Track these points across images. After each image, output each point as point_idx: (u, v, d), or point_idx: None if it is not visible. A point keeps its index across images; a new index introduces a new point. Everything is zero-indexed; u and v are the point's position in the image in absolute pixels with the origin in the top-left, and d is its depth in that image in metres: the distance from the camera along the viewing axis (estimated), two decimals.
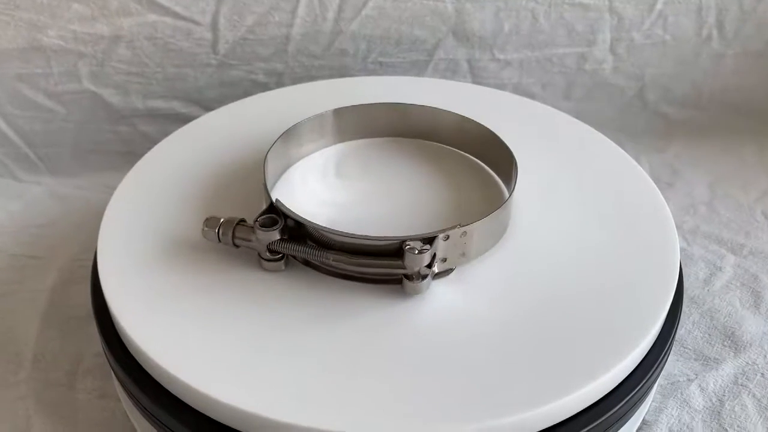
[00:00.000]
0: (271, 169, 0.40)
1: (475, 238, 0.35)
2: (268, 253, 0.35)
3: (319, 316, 0.34)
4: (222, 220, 0.35)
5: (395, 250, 0.34)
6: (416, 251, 0.33)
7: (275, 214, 0.36)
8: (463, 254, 0.36)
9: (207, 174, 0.43)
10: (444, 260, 0.35)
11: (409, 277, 0.34)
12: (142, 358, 0.33)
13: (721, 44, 0.61)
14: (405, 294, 0.35)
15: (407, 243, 0.33)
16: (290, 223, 0.35)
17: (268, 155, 0.39)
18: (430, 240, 0.34)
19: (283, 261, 0.36)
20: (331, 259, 0.34)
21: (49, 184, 0.58)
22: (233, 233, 0.35)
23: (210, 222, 0.36)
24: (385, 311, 0.34)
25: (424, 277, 0.34)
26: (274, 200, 0.36)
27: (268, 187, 0.38)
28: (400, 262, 0.33)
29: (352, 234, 0.34)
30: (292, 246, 0.35)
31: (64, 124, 0.58)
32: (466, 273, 0.36)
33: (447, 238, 0.34)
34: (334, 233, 0.34)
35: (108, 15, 0.54)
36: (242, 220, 0.36)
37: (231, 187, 0.42)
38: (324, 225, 0.35)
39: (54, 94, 0.57)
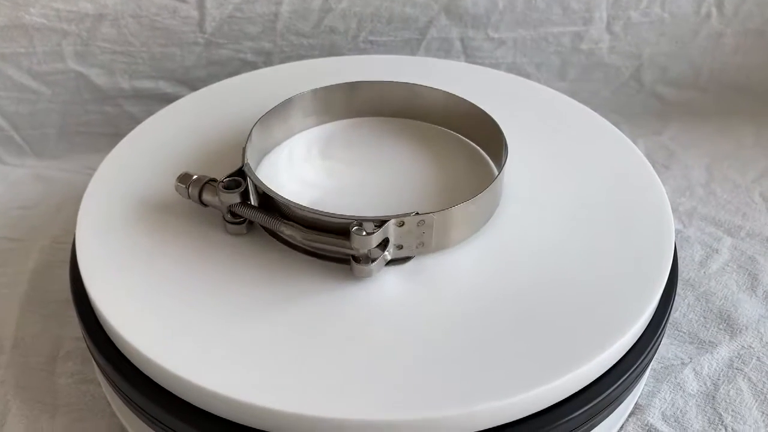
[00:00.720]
0: (255, 142, 0.39)
1: (436, 228, 0.34)
2: (229, 215, 0.36)
3: (274, 285, 0.34)
4: (194, 177, 0.36)
5: (347, 230, 0.33)
6: (364, 233, 0.32)
7: (241, 177, 0.36)
8: (422, 244, 0.34)
9: (190, 154, 0.42)
10: (400, 247, 0.34)
11: (356, 259, 0.33)
12: (117, 339, 0.33)
13: (720, 23, 0.60)
14: (354, 276, 0.34)
15: (358, 224, 0.32)
16: (260, 191, 0.35)
17: (254, 127, 0.39)
18: (382, 223, 0.33)
19: (244, 225, 0.36)
20: (284, 230, 0.34)
21: (34, 167, 0.57)
22: (200, 191, 0.36)
23: (182, 178, 0.36)
24: (334, 291, 0.34)
25: (374, 260, 0.33)
26: (244, 163, 0.36)
27: (248, 156, 0.37)
28: (348, 242, 0.33)
29: (308, 208, 0.34)
30: (250, 211, 0.35)
31: (49, 105, 0.57)
32: (444, 259, 0.35)
33: (401, 224, 0.33)
34: (292, 205, 0.34)
35: None
36: (212, 180, 0.36)
37: (215, 167, 0.41)
38: (297, 201, 0.34)
39: (38, 74, 0.56)
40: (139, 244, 0.36)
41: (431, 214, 0.34)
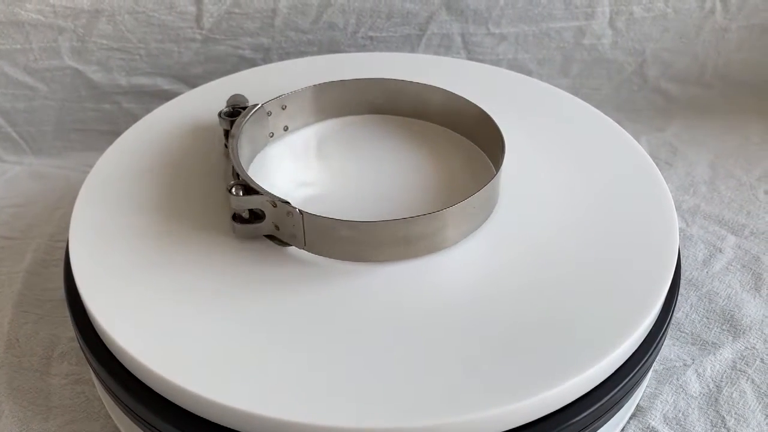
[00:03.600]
0: (245, 140, 0.39)
1: (307, 226, 0.34)
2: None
3: (267, 289, 0.34)
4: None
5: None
6: (234, 192, 0.34)
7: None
8: (294, 236, 0.35)
9: (189, 151, 0.41)
10: (277, 227, 0.35)
11: (233, 215, 0.35)
12: (108, 341, 0.33)
13: (724, 18, 0.59)
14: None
15: (236, 185, 0.35)
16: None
17: (246, 122, 0.39)
18: (254, 192, 0.34)
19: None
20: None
21: (30, 164, 0.57)
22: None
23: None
24: (330, 295, 0.34)
25: (244, 221, 0.35)
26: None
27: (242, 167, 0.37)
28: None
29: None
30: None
31: (46, 102, 0.57)
32: (441, 259, 0.35)
33: (274, 205, 0.34)
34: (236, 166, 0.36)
35: None
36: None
37: (214, 164, 0.40)
38: (291, 199, 0.35)
39: (34, 71, 0.55)
40: (133, 244, 0.36)
41: (296, 209, 0.34)
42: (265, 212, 0.35)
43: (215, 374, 0.30)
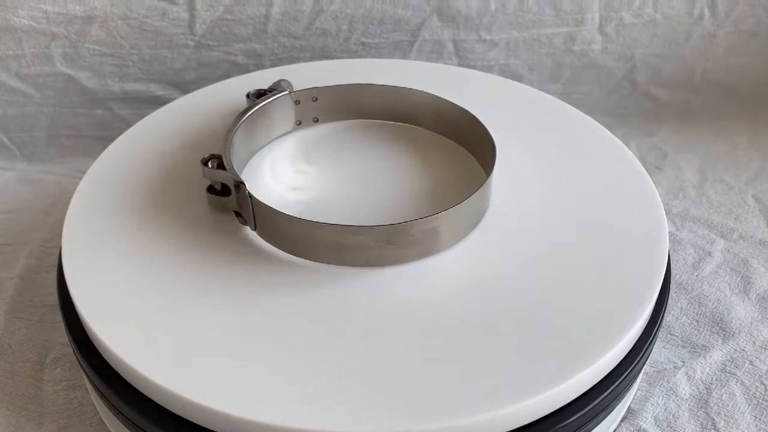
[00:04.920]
0: (238, 144, 0.39)
1: (258, 218, 0.35)
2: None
3: (264, 294, 0.34)
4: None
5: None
6: (209, 165, 0.36)
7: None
8: (255, 227, 0.36)
9: (181, 157, 0.42)
10: (239, 205, 0.37)
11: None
12: (101, 347, 0.33)
13: (713, 24, 0.60)
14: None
15: (211, 159, 0.37)
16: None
17: (239, 126, 0.39)
18: (222, 167, 0.36)
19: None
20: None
21: (23, 170, 0.57)
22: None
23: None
24: (318, 300, 0.34)
25: (216, 192, 0.37)
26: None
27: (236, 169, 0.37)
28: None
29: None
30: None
31: (39, 108, 0.57)
32: (431, 264, 0.35)
33: (236, 187, 0.36)
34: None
35: None
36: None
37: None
38: (280, 205, 0.36)
39: (27, 77, 0.55)
40: (126, 250, 0.36)
41: (248, 191, 0.35)
42: (231, 189, 0.37)
43: (209, 380, 0.30)
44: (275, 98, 0.42)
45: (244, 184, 0.35)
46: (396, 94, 0.43)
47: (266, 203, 0.35)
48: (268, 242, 0.36)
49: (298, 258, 0.35)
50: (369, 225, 0.34)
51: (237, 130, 0.39)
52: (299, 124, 0.44)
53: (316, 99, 0.43)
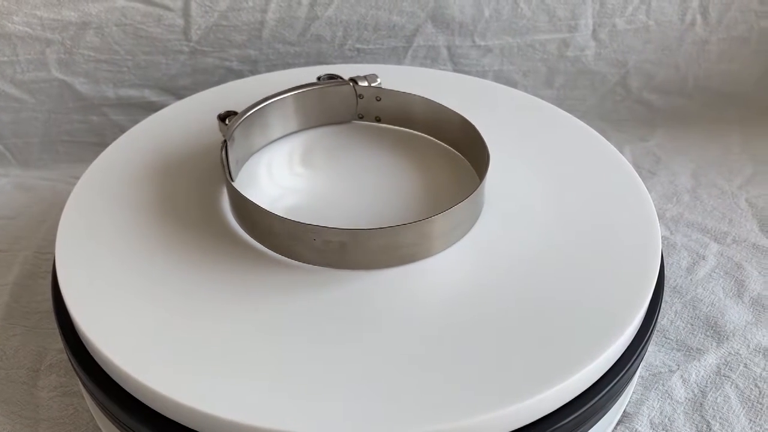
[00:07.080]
0: (235, 145, 0.40)
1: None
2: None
3: (259, 297, 0.34)
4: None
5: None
6: (227, 122, 0.40)
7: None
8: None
9: (175, 163, 0.42)
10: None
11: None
12: (95, 353, 0.32)
13: (705, 30, 0.61)
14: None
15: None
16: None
17: (236, 129, 0.40)
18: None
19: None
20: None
21: (17, 176, 0.57)
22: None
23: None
24: (313, 303, 0.34)
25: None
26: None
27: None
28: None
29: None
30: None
31: (33, 114, 0.57)
32: (424, 268, 0.35)
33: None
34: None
35: (75, 0, 0.53)
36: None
37: (201, 176, 0.41)
38: (275, 208, 0.36)
39: (21, 83, 0.55)
40: (120, 255, 0.36)
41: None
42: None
43: (205, 385, 0.30)
44: (274, 100, 0.42)
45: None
46: (389, 98, 0.43)
47: (259, 204, 0.35)
48: (262, 245, 0.36)
49: (293, 260, 0.35)
50: (363, 228, 0.34)
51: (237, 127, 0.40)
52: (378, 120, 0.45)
53: (380, 98, 0.44)
